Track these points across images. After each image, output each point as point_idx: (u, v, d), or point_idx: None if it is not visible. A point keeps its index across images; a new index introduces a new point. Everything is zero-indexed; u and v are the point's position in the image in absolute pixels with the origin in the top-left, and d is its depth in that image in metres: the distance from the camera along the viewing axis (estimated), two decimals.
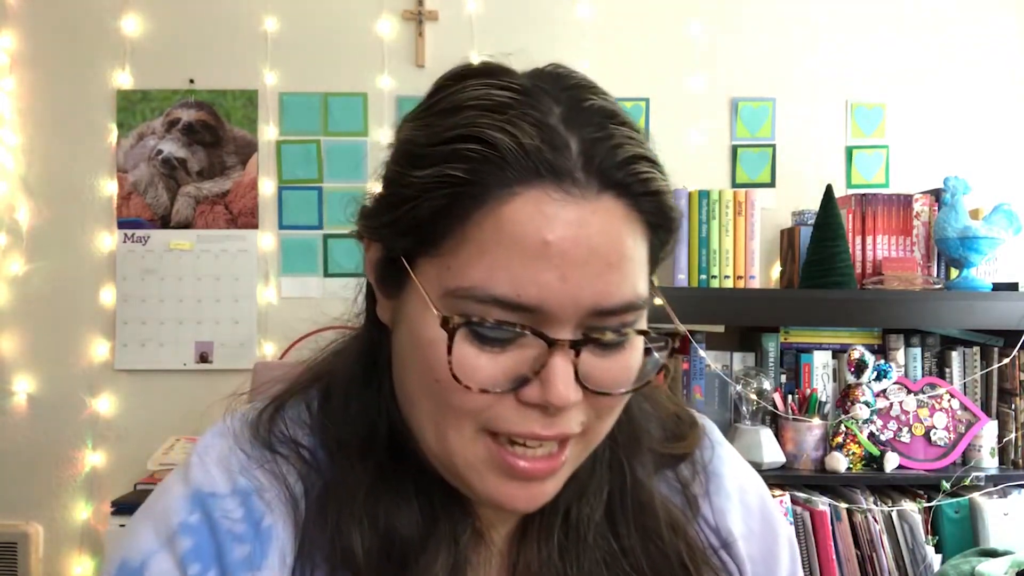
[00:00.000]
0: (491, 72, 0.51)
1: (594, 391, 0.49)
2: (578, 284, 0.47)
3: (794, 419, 1.82)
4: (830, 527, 1.73)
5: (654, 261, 0.54)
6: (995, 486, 1.77)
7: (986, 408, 1.89)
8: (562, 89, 0.50)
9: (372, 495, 0.53)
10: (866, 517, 1.73)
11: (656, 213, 0.50)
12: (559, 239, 0.46)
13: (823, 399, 1.86)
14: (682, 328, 0.54)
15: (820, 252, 1.87)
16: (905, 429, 1.86)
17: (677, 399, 0.69)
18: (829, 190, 1.90)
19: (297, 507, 0.54)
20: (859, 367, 1.80)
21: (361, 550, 0.52)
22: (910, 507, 1.75)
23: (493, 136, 0.46)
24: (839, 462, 1.76)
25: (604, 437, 0.55)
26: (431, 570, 0.52)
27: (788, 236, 2.07)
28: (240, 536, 0.52)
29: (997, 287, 1.87)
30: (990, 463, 1.84)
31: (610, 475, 0.59)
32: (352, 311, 0.61)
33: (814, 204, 1.95)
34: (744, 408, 1.85)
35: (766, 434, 1.80)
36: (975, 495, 1.76)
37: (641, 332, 0.51)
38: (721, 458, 0.67)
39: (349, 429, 0.56)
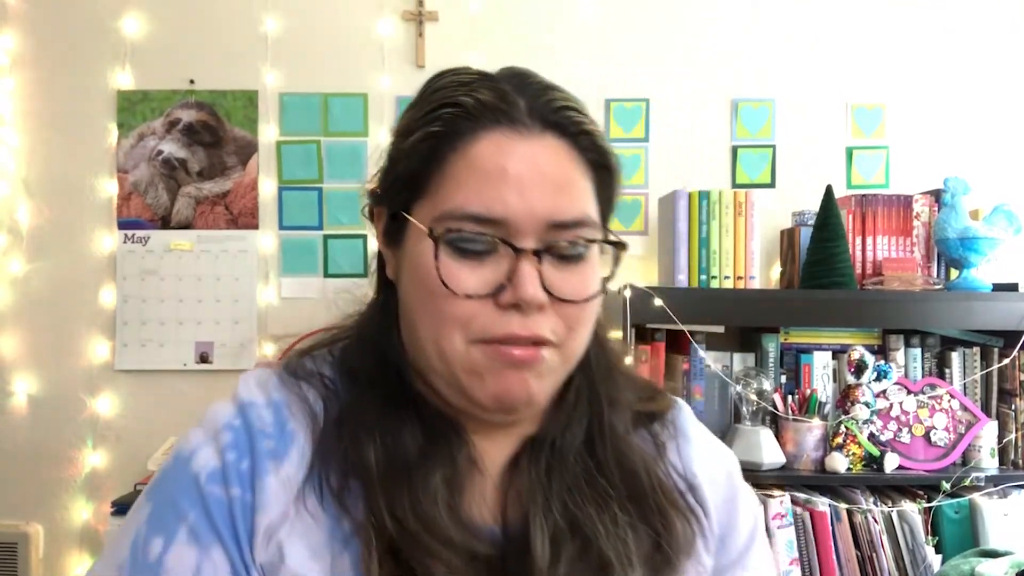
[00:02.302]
0: (462, 68, 0.66)
1: (559, 298, 0.60)
2: (534, 200, 0.59)
3: (794, 419, 1.82)
4: (830, 527, 1.73)
5: (604, 203, 0.66)
6: (995, 486, 1.77)
7: (986, 409, 1.89)
8: (514, 75, 0.65)
9: (382, 416, 0.64)
10: (866, 518, 1.73)
11: (593, 150, 0.64)
12: (515, 166, 0.59)
13: (823, 399, 1.86)
14: (624, 242, 0.65)
15: (820, 253, 1.87)
16: (905, 430, 1.86)
17: (655, 383, 0.79)
18: (829, 190, 1.90)
19: (316, 421, 0.64)
20: (859, 368, 1.80)
21: (372, 460, 0.61)
22: (910, 507, 1.75)
23: (461, 99, 0.61)
24: (839, 462, 1.76)
25: (585, 373, 0.68)
26: (431, 482, 0.61)
27: (788, 237, 2.07)
28: (269, 435, 0.63)
29: (997, 287, 1.87)
30: (990, 463, 1.84)
31: (590, 409, 0.68)
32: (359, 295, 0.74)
33: (814, 205, 1.95)
34: (744, 409, 1.85)
35: (766, 434, 1.80)
36: (975, 495, 1.76)
37: (590, 240, 0.62)
38: (688, 422, 0.76)
39: (363, 362, 0.67)
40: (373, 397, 0.65)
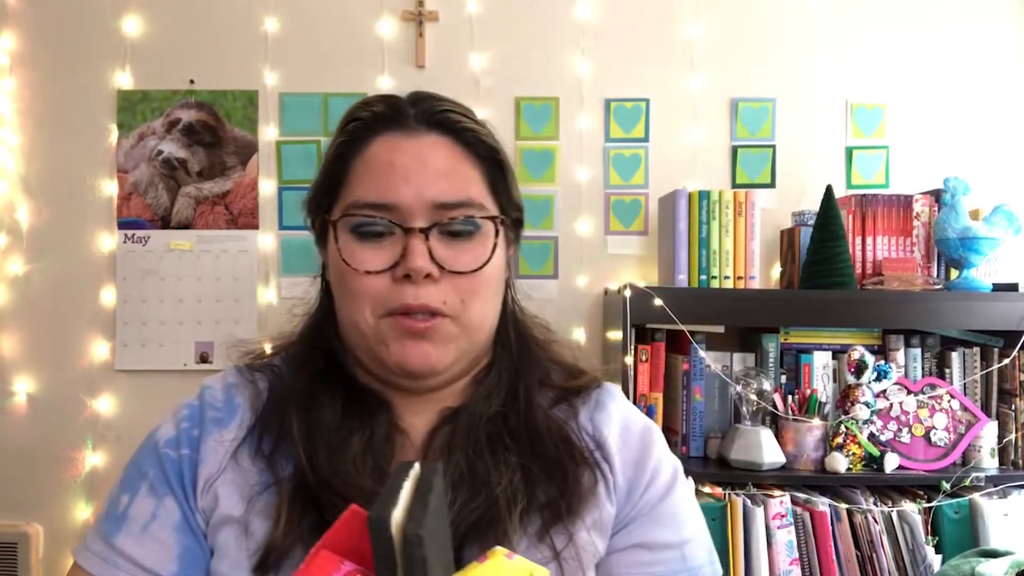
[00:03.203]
0: (374, 95, 0.78)
1: (449, 270, 0.70)
2: (419, 185, 0.70)
3: (794, 419, 1.82)
4: (830, 528, 1.73)
5: (500, 191, 0.75)
6: (995, 486, 1.77)
7: (986, 409, 1.89)
8: (413, 93, 0.76)
9: (310, 395, 0.75)
10: (866, 518, 1.73)
11: (477, 145, 0.74)
12: (402, 159, 0.71)
13: (823, 399, 1.86)
14: (503, 219, 0.75)
15: (820, 253, 1.87)
16: (905, 430, 1.86)
17: (587, 369, 0.85)
18: (829, 190, 1.90)
19: (259, 398, 0.77)
20: (859, 368, 1.80)
21: (296, 429, 0.72)
22: (910, 508, 1.74)
23: (361, 115, 0.75)
24: (839, 463, 1.76)
25: (507, 354, 0.78)
26: (349, 443, 0.71)
27: (788, 237, 2.07)
28: (218, 408, 0.77)
29: (997, 287, 1.87)
30: (990, 463, 1.84)
31: (508, 384, 0.77)
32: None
33: (814, 204, 1.95)
34: (744, 409, 1.85)
35: (766, 435, 1.80)
36: (975, 495, 1.76)
37: (470, 217, 0.71)
38: (609, 398, 0.82)
39: (304, 352, 0.79)
40: (306, 378, 0.76)
